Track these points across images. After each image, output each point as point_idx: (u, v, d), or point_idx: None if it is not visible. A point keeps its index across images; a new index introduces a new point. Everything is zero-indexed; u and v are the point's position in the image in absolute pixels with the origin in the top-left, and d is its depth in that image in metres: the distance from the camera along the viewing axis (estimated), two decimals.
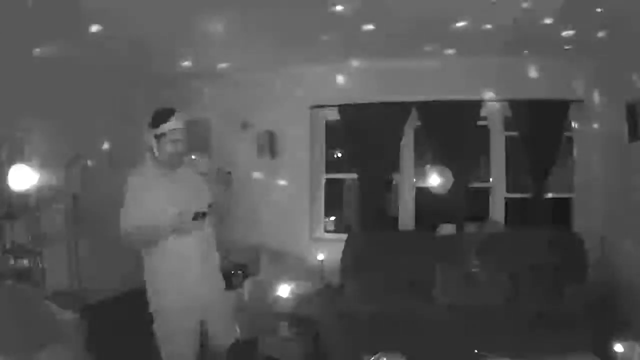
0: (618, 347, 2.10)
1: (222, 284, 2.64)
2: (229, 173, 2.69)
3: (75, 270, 4.73)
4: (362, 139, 4.80)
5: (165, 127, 2.32)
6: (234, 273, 4.49)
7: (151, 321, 2.44)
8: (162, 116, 2.35)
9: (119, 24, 3.46)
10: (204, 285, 2.44)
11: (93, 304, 4.60)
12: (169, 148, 2.34)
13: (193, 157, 2.55)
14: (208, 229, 2.51)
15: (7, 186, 3.85)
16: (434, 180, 4.46)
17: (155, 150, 2.37)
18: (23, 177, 3.83)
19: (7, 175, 3.80)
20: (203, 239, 2.46)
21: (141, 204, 2.27)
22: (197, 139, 4.30)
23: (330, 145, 5.33)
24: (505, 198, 4.72)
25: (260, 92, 5.23)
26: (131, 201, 2.30)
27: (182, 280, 2.36)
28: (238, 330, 2.74)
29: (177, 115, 2.36)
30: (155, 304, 2.42)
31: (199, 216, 2.29)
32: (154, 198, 2.30)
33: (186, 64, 4.77)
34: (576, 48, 4.05)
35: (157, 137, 2.34)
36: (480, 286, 3.71)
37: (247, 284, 4.17)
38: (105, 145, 5.23)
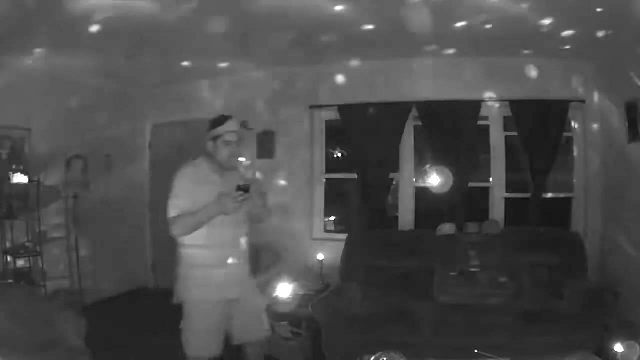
0: (618, 347, 2.10)
1: (253, 279, 2.71)
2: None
3: (75, 270, 4.74)
4: (362, 139, 4.80)
5: (221, 129, 2.47)
6: None
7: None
8: (219, 120, 2.51)
9: (119, 23, 3.45)
10: (234, 278, 2.51)
11: (93, 304, 4.62)
12: (224, 149, 2.48)
13: (242, 159, 2.63)
14: (244, 225, 2.61)
15: (7, 186, 3.86)
16: (434, 180, 4.46)
17: (211, 150, 2.51)
18: (23, 177, 3.83)
19: (7, 175, 3.80)
20: (237, 231, 2.56)
21: (191, 195, 2.40)
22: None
23: (330, 145, 5.32)
24: (505, 198, 4.71)
25: (260, 92, 5.23)
26: (182, 191, 2.42)
27: (214, 271, 2.46)
28: (268, 327, 2.69)
29: (232, 120, 2.53)
30: (184, 295, 2.48)
31: (242, 189, 2.34)
32: (204, 192, 2.40)
33: (186, 64, 4.77)
34: (576, 48, 4.05)
35: (214, 139, 2.48)
36: (480, 286, 3.71)
37: None
38: (105, 145, 5.23)
